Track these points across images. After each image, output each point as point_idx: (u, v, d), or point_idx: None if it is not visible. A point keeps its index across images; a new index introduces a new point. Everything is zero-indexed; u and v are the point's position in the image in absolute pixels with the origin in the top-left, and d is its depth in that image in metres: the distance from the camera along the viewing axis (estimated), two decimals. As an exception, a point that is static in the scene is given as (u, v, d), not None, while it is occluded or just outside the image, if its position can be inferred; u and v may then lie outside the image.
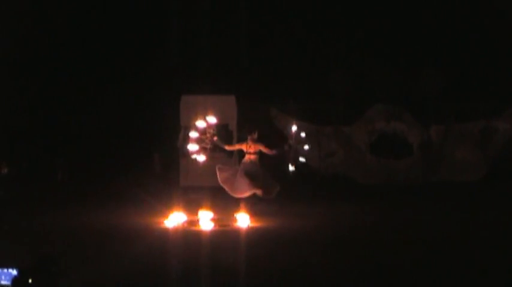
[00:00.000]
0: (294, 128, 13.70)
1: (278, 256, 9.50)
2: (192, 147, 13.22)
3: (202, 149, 13.17)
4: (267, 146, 13.42)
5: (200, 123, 13.19)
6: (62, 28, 23.88)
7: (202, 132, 13.18)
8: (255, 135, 13.43)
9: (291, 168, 13.57)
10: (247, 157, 13.43)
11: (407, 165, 21.27)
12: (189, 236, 11.31)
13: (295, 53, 23.50)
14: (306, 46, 23.92)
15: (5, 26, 21.30)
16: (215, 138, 13.30)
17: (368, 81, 22.64)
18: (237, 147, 14.03)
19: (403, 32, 23.75)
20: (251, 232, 11.78)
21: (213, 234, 11.60)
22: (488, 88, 21.68)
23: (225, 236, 11.38)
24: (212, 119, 13.30)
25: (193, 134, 13.23)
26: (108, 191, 17.71)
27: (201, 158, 13.26)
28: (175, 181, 19.41)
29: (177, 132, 19.92)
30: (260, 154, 13.46)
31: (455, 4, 23.87)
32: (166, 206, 13.07)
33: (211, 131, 13.21)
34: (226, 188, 13.31)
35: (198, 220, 12.38)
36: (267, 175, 13.50)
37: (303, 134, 13.71)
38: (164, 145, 21.34)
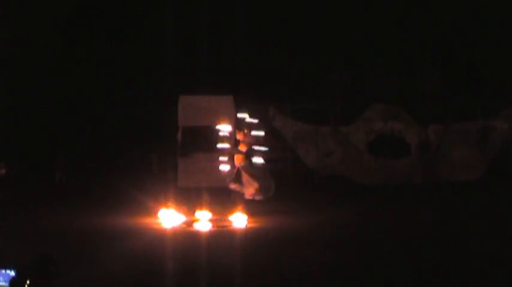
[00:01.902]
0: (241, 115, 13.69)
1: (276, 256, 9.50)
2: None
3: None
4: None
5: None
6: (62, 29, 23.90)
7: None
8: (243, 134, 13.46)
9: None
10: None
11: (406, 165, 21.28)
12: (187, 237, 11.31)
13: (294, 54, 23.52)
14: (304, 47, 23.93)
15: (5, 27, 21.31)
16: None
17: (366, 81, 22.65)
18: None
19: (401, 32, 23.78)
20: (249, 232, 11.78)
21: (212, 234, 11.61)
22: (486, 88, 21.71)
23: (223, 236, 11.38)
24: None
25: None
26: (106, 192, 17.71)
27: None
28: (173, 181, 19.41)
29: (175, 133, 19.93)
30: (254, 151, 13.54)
31: (453, 5, 23.89)
32: (164, 207, 13.05)
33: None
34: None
35: (196, 220, 12.39)
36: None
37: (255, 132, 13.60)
38: (162, 146, 21.37)
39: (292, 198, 16.39)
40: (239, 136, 13.53)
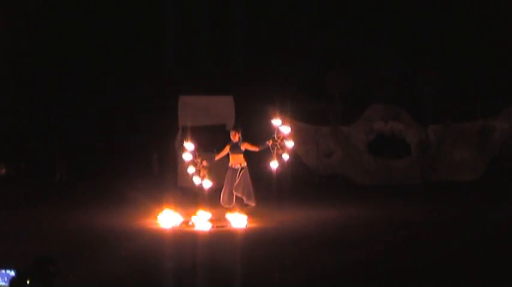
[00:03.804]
0: (277, 123, 13.58)
1: (276, 256, 9.50)
2: (191, 170, 13.33)
3: (202, 177, 13.28)
4: (251, 143, 13.46)
5: (188, 146, 13.28)
6: (62, 28, 23.90)
7: (193, 163, 13.26)
8: (238, 135, 13.43)
9: (275, 164, 13.35)
10: (232, 159, 13.39)
11: (406, 165, 21.25)
12: (186, 237, 11.31)
13: (294, 53, 23.52)
14: (304, 46, 23.93)
15: (3, 26, 21.30)
16: (204, 163, 13.33)
17: (366, 81, 22.65)
18: (224, 153, 13.79)
19: (401, 31, 23.79)
20: (249, 232, 11.78)
21: (211, 235, 11.60)
22: (486, 88, 21.72)
23: (222, 236, 11.38)
24: (190, 146, 13.33)
25: (187, 157, 13.31)
26: (105, 192, 17.72)
27: (198, 180, 13.33)
28: (173, 181, 19.40)
29: (175, 133, 19.92)
30: (246, 152, 13.50)
31: (453, 4, 23.90)
32: (163, 207, 13.06)
33: (199, 159, 13.26)
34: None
35: (195, 221, 12.38)
36: (249, 183, 13.47)
37: (286, 130, 13.53)
38: (162, 145, 21.35)
39: (292, 198, 16.39)
40: (233, 137, 13.50)
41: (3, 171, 21.81)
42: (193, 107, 19.02)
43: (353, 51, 23.18)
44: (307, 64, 23.10)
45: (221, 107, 19.55)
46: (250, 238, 11.18)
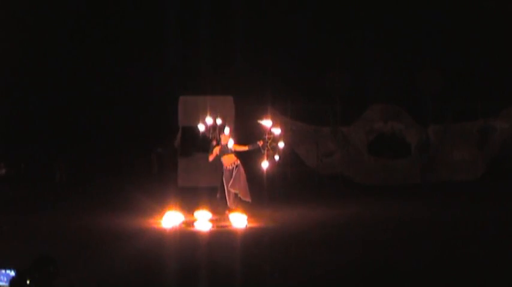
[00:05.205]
0: (268, 124, 13.57)
1: (276, 256, 9.50)
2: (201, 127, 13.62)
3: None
4: (239, 144, 13.46)
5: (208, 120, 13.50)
6: (61, 29, 23.92)
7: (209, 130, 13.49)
8: (227, 136, 13.42)
9: (265, 164, 13.31)
10: (225, 161, 13.36)
11: (406, 165, 21.28)
12: (186, 237, 11.31)
13: (293, 54, 23.54)
14: (304, 46, 23.95)
15: (4, 28, 21.34)
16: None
17: (366, 81, 22.67)
18: (215, 153, 13.69)
19: (401, 32, 23.79)
20: (249, 232, 11.79)
21: (211, 234, 11.61)
22: (486, 88, 21.73)
23: (223, 236, 11.39)
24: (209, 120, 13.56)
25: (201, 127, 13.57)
26: (105, 192, 17.72)
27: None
28: (173, 181, 19.43)
29: (175, 133, 19.95)
30: (239, 153, 13.50)
31: (453, 4, 23.91)
32: (163, 207, 13.07)
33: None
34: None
35: (196, 220, 12.40)
36: (245, 179, 13.46)
37: (277, 131, 13.51)
38: (162, 145, 21.38)
39: (292, 198, 16.40)
40: (224, 139, 13.48)
41: (3, 171, 21.85)
42: (193, 107, 19.02)
43: (353, 52, 23.18)
44: (307, 64, 23.11)
45: (221, 107, 19.53)
46: (250, 238, 11.19)
